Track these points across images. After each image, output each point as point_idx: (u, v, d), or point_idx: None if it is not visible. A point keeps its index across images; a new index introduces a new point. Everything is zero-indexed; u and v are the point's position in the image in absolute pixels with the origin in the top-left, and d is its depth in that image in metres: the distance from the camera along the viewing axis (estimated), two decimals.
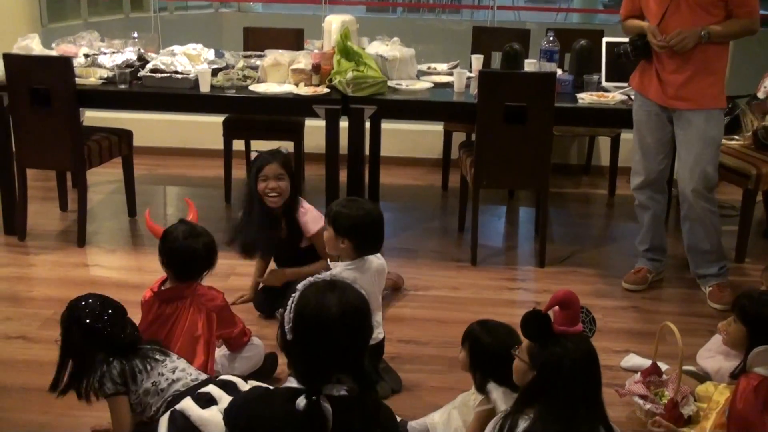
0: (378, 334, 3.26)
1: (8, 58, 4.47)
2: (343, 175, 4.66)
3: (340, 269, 3.18)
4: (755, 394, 2.72)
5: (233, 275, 4.28)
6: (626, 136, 4.90)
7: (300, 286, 2.08)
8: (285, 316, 2.06)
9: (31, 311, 3.95)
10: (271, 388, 2.16)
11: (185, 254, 3.09)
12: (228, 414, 2.18)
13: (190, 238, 3.11)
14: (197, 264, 3.12)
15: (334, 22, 4.79)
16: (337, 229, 3.20)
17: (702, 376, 3.26)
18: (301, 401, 1.99)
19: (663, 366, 3.27)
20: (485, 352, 2.76)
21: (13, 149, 4.68)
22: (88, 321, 2.77)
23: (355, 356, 2.08)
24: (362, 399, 2.06)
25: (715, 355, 3.26)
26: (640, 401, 3.14)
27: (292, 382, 2.08)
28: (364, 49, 4.83)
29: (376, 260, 3.27)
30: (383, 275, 3.31)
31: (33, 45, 4.73)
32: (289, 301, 2.07)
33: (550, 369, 2.27)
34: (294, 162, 5.37)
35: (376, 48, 4.89)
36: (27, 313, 3.94)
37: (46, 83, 4.43)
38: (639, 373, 3.27)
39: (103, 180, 5.69)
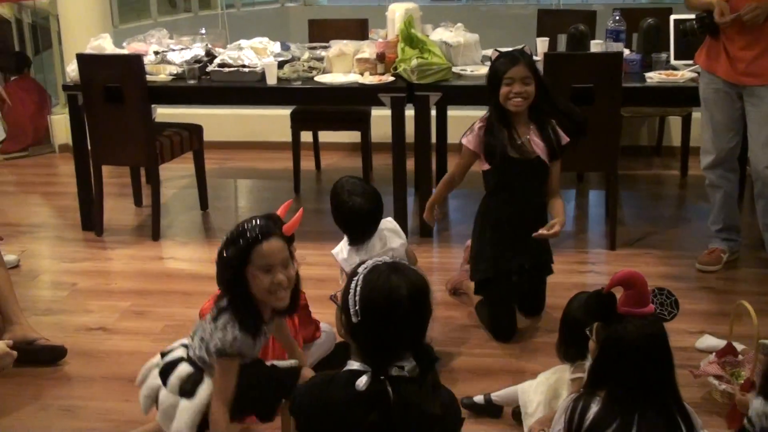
0: None
1: (82, 58, 4.60)
2: (410, 164, 4.68)
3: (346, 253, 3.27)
4: None
5: (303, 265, 4.31)
6: (697, 115, 4.79)
7: (361, 269, 2.11)
8: (349, 300, 2.09)
9: (110, 303, 4.06)
10: (332, 373, 2.19)
11: None
12: (293, 403, 2.23)
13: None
14: None
15: (398, 11, 4.80)
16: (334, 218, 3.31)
17: None
18: (361, 382, 2.02)
19: (739, 346, 3.22)
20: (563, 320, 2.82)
21: (89, 147, 4.81)
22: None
23: (419, 334, 2.11)
24: (421, 379, 2.09)
25: None
26: (716, 382, 3.10)
27: (352, 365, 2.11)
28: (428, 36, 4.84)
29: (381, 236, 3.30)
30: (396, 236, 3.34)
31: (105, 44, 4.85)
32: (351, 285, 2.10)
33: (609, 349, 2.26)
34: (362, 151, 5.45)
35: (440, 35, 4.89)
36: (106, 305, 4.05)
37: (118, 81, 4.54)
38: (714, 353, 3.22)
39: (176, 175, 5.81)
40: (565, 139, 3.60)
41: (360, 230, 3.26)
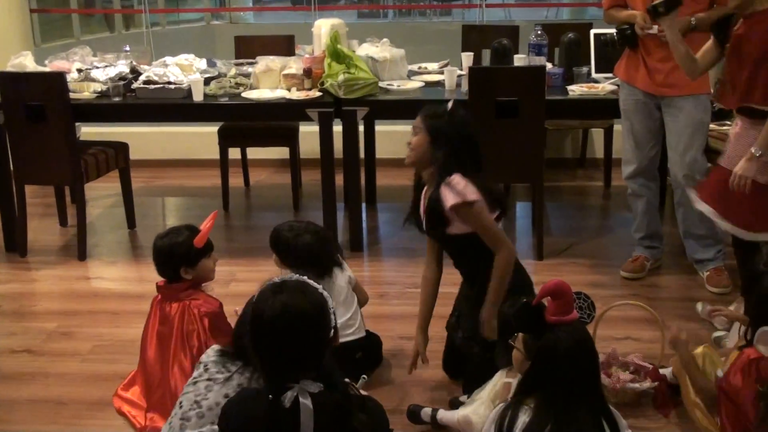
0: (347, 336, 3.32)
1: (2, 75, 4.52)
2: (339, 179, 4.69)
3: None
4: (749, 368, 2.71)
5: (234, 281, 4.31)
6: (619, 127, 4.91)
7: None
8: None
9: (35, 325, 3.98)
10: (259, 388, 2.23)
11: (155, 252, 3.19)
12: (221, 418, 2.25)
13: (169, 235, 3.19)
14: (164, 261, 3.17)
15: (324, 26, 4.83)
16: None
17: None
18: (285, 397, 2.07)
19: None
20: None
21: (11, 166, 4.72)
22: None
23: (305, 357, 2.15)
24: (330, 396, 2.13)
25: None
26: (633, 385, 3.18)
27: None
28: (354, 51, 4.87)
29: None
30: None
31: (26, 62, 4.77)
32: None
33: (545, 358, 2.29)
34: (290, 167, 5.45)
35: (366, 50, 4.92)
36: (31, 327, 3.96)
37: (40, 99, 4.46)
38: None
39: (102, 194, 5.72)
40: (449, 203, 2.95)
41: (319, 264, 3.30)
